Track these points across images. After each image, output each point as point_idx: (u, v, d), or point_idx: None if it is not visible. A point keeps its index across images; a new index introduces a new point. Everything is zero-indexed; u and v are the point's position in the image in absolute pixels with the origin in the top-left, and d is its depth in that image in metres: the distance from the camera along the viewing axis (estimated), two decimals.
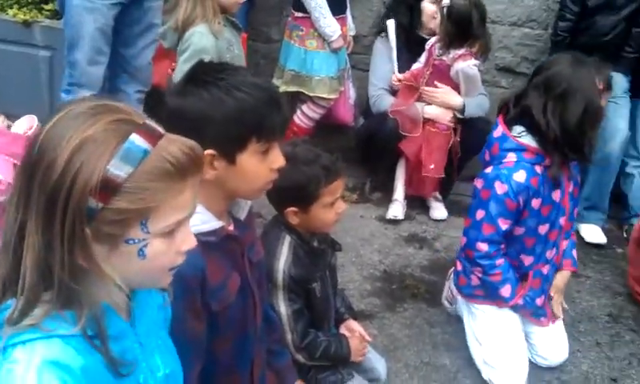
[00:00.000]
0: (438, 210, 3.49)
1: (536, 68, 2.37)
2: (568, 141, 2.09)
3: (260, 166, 1.36)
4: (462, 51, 3.15)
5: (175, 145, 0.93)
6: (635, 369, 2.51)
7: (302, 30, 3.41)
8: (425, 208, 3.51)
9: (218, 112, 1.30)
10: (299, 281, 1.86)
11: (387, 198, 3.49)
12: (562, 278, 2.44)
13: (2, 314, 0.93)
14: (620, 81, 3.22)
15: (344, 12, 3.50)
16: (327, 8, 3.31)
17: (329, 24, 3.34)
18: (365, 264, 2.97)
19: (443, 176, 3.36)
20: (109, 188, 0.87)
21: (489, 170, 2.22)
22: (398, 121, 3.28)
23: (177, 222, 0.95)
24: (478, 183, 2.25)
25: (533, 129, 2.16)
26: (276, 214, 1.92)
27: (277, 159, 1.39)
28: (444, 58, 3.20)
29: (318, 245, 1.94)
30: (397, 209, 3.37)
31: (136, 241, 0.92)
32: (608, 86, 2.20)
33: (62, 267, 0.89)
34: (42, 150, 0.89)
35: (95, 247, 0.90)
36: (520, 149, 2.17)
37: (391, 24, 3.41)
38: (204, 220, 1.35)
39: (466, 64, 3.15)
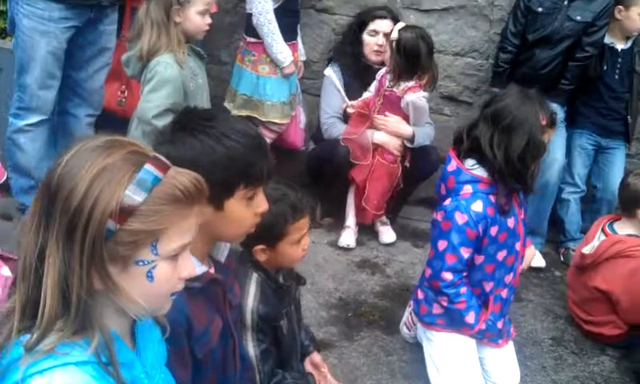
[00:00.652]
0: (387, 234, 3.56)
1: (487, 100, 2.46)
2: (511, 171, 2.19)
3: (246, 210, 1.37)
4: (411, 83, 3.24)
5: (183, 175, 1.04)
6: None
7: (254, 55, 3.41)
8: (375, 233, 3.57)
9: (208, 160, 1.30)
10: (267, 319, 1.86)
11: (338, 224, 3.53)
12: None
13: (19, 344, 0.97)
14: (557, 111, 3.38)
15: (295, 38, 3.53)
16: (279, 34, 3.33)
17: (281, 50, 3.35)
18: (320, 291, 2.99)
19: (387, 204, 3.45)
20: (126, 211, 0.96)
21: (447, 202, 2.29)
22: (349, 148, 3.33)
23: (182, 245, 1.03)
24: (438, 215, 2.31)
25: (483, 160, 2.24)
26: (242, 251, 1.91)
27: (262, 203, 1.40)
28: (394, 89, 3.28)
29: (284, 281, 1.95)
30: (349, 237, 3.42)
31: (146, 262, 1.00)
32: (551, 123, 2.29)
33: (80, 285, 0.96)
34: (62, 179, 0.98)
35: (110, 268, 0.98)
36: (475, 180, 2.26)
37: (329, 72, 3.49)
38: None
39: (415, 96, 3.24)
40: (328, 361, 2.44)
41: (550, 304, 3.22)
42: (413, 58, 3.20)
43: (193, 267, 1.08)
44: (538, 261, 3.55)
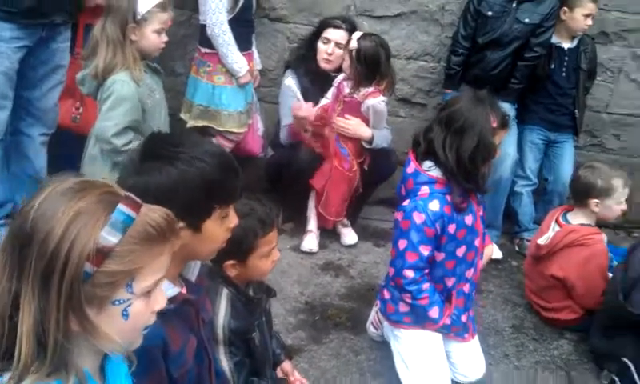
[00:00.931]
0: (348, 236, 3.62)
1: (443, 104, 2.53)
2: (462, 172, 2.27)
3: (220, 229, 1.39)
4: (371, 89, 3.31)
5: (155, 211, 1.04)
6: (541, 375, 2.74)
7: (209, 66, 3.41)
8: (336, 235, 3.62)
9: (186, 185, 1.32)
10: (239, 333, 1.89)
11: (300, 228, 3.57)
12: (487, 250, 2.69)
13: None
14: (508, 109, 3.51)
15: (250, 48, 3.55)
16: (234, 45, 3.34)
17: (236, 60, 3.37)
18: (287, 297, 3.02)
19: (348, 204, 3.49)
20: (102, 253, 0.97)
21: (406, 203, 2.35)
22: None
23: (156, 281, 1.05)
24: (398, 215, 2.37)
25: (438, 161, 2.32)
26: (212, 268, 1.92)
27: (233, 219, 1.43)
28: (355, 95, 3.34)
29: (254, 293, 1.98)
30: (311, 241, 3.46)
31: (121, 301, 1.01)
32: (503, 124, 2.35)
33: (57, 329, 0.96)
34: (36, 223, 0.97)
35: (87, 310, 0.98)
36: (431, 181, 2.33)
37: (289, 81, 3.52)
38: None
39: (376, 101, 3.31)
40: (299, 366, 2.48)
41: (508, 293, 3.34)
42: (373, 65, 3.26)
43: (164, 300, 1.09)
44: (495, 253, 3.65)
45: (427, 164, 2.35)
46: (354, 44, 3.24)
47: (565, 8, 3.50)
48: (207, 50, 3.40)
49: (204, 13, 3.33)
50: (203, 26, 3.36)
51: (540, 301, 3.12)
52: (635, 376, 2.56)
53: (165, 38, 2.61)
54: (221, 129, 3.47)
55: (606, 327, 2.78)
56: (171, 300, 1.34)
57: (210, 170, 1.34)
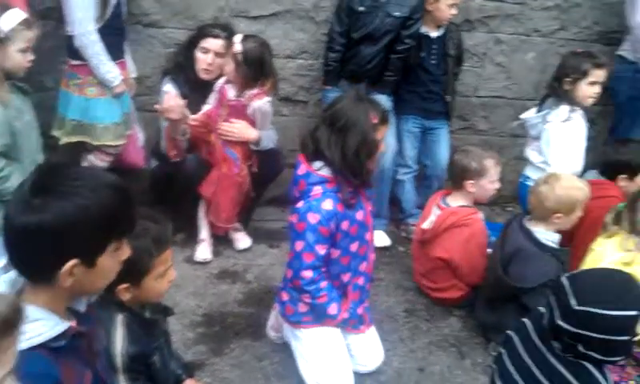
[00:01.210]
0: (242, 241, 3.60)
1: (327, 104, 2.58)
2: (348, 169, 2.35)
3: (114, 261, 1.34)
4: (256, 91, 3.30)
5: (1, 301, 0.96)
6: (435, 354, 2.88)
7: (79, 78, 3.23)
8: (229, 241, 3.59)
9: (84, 221, 1.26)
10: (138, 358, 1.83)
11: (192, 238, 3.50)
12: None
13: None
14: (384, 102, 3.62)
15: (123, 56, 3.40)
16: (106, 54, 3.19)
17: (109, 70, 3.22)
18: (183, 311, 2.94)
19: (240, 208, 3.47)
20: None
21: (300, 204, 2.39)
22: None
23: (4, 376, 0.98)
24: (293, 218, 2.40)
25: (327, 160, 2.37)
26: (103, 295, 1.84)
27: (126, 251, 1.38)
28: (240, 98, 3.32)
29: (151, 315, 1.92)
30: (204, 250, 3.41)
31: None
32: (383, 120, 2.43)
33: None
34: None
35: None
36: (323, 181, 2.38)
37: (168, 88, 3.44)
38: (50, 325, 1.29)
39: (261, 102, 3.31)
40: (202, 381, 2.45)
41: (399, 279, 3.47)
42: (258, 66, 3.26)
43: None
44: (384, 240, 3.81)
45: (317, 164, 2.40)
46: (238, 47, 3.22)
47: (429, 0, 3.66)
48: (77, 62, 3.21)
49: (71, 23, 3.14)
50: (71, 37, 3.16)
51: (428, 282, 3.28)
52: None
53: (30, 57, 2.47)
54: (96, 143, 3.31)
55: (489, 301, 2.97)
56: (62, 335, 1.30)
57: (108, 204, 1.29)
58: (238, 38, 3.26)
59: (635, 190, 2.89)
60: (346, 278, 2.50)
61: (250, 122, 3.35)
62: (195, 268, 3.35)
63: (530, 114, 3.52)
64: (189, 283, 3.19)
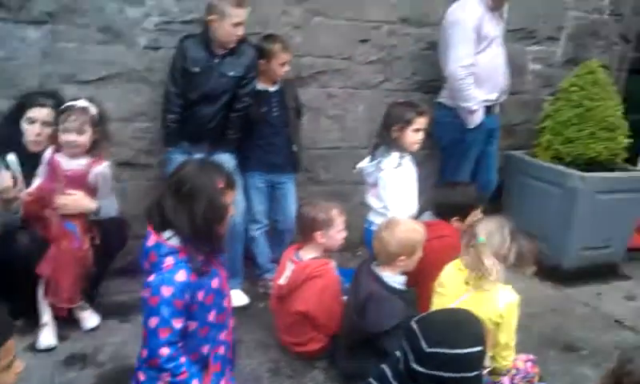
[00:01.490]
0: (89, 319, 3.38)
1: (171, 171, 2.53)
2: (198, 236, 2.32)
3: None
4: (95, 157, 3.19)
5: None
6: None
7: None
8: (76, 321, 3.35)
9: None
10: None
11: (33, 323, 3.20)
12: None
13: None
14: (229, 160, 3.65)
15: None
16: None
17: None
18: None
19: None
20: None
21: (152, 277, 2.30)
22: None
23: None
24: (146, 292, 2.30)
25: (176, 229, 2.32)
26: None
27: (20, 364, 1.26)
28: (80, 167, 3.18)
29: None
30: (48, 335, 3.16)
31: None
32: (229, 185, 2.43)
33: None
34: None
35: None
36: (174, 251, 2.32)
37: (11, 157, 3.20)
38: None
39: (102, 167, 3.20)
40: None
41: (260, 337, 3.44)
42: (104, 128, 3.20)
43: None
44: (242, 299, 3.78)
45: (167, 234, 2.34)
46: (92, 110, 3.15)
47: (261, 61, 3.75)
48: None
49: None
50: None
51: (289, 337, 3.29)
52: None
53: None
54: None
55: (349, 348, 3.05)
56: None
57: None
58: (82, 102, 3.17)
59: (468, 232, 3.01)
60: (205, 349, 2.43)
61: (89, 190, 3.20)
62: (39, 356, 3.06)
63: (364, 163, 3.71)
64: (33, 375, 2.90)
